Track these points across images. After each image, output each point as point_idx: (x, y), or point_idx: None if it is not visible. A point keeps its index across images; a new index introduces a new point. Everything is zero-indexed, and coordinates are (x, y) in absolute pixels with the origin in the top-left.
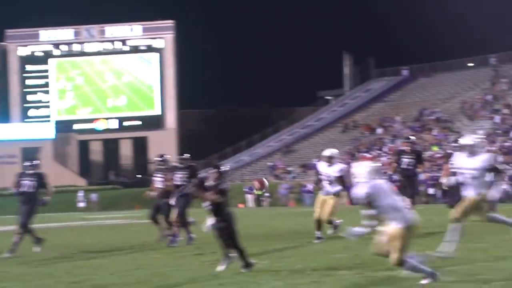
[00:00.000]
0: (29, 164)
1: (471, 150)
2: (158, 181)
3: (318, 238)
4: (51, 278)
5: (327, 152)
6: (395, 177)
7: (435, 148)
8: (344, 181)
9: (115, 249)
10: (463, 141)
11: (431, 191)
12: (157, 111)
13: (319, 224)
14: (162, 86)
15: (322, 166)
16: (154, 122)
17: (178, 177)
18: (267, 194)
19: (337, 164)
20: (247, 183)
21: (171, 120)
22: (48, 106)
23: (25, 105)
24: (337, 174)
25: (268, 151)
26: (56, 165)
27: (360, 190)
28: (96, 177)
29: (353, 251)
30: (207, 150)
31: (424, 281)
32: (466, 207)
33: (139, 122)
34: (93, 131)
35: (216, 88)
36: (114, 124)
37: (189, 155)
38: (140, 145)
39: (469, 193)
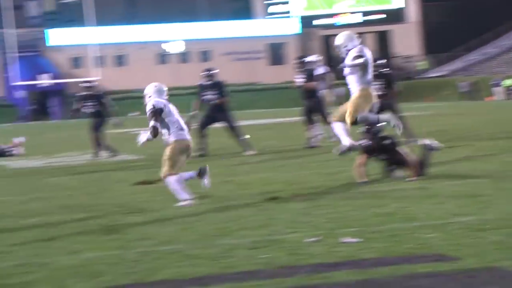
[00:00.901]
0: (207, 74)
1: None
2: (299, 81)
3: None
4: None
5: None
6: None
7: None
8: None
9: None
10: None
11: None
12: (399, 3)
13: None
14: None
15: None
16: (396, 15)
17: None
18: None
19: None
20: (495, 76)
21: (413, 13)
22: (287, 2)
23: (265, 2)
24: None
25: None
26: None
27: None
28: (340, 72)
29: None
30: (450, 43)
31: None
32: None
33: (383, 16)
34: (333, 26)
35: None
36: (357, 18)
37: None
38: (383, 39)
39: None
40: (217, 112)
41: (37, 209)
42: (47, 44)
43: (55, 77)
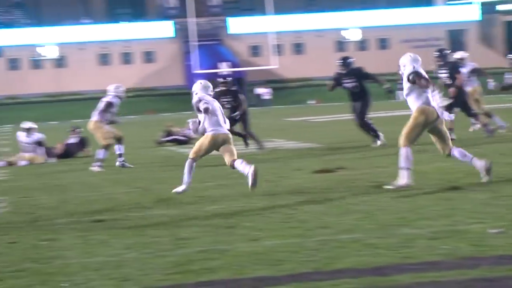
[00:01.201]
0: (342, 62)
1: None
2: (443, 76)
3: None
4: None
5: None
6: None
7: None
8: None
9: None
10: None
11: None
12: None
13: None
14: None
15: None
16: None
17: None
18: None
19: None
20: None
21: None
22: None
23: None
24: None
25: None
26: (481, 47)
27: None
28: None
29: None
30: None
31: None
32: None
33: None
34: None
35: None
36: None
37: None
38: None
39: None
40: (356, 101)
41: (219, 196)
42: (228, 33)
43: (234, 66)
